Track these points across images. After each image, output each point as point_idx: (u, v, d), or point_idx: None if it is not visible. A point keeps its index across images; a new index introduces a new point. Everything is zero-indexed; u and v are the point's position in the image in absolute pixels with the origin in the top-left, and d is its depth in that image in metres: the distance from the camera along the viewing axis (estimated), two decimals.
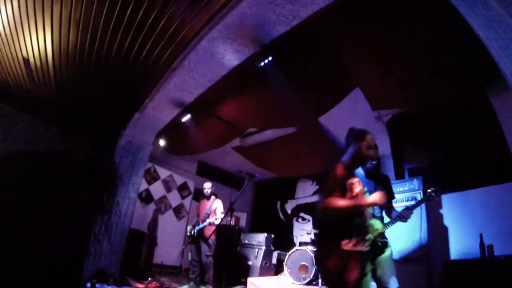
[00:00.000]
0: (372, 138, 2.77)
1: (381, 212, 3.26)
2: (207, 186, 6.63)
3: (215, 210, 6.29)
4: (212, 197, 6.61)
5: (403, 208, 3.15)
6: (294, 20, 3.51)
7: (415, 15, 3.47)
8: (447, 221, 4.89)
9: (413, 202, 3.44)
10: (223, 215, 5.92)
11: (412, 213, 3.08)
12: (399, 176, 5.74)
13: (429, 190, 3.20)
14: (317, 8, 3.32)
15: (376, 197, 2.49)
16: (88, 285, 4.65)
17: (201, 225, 6.06)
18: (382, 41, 3.95)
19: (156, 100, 5.49)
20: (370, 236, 2.99)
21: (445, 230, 4.86)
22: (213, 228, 5.99)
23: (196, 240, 6.22)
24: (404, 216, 3.08)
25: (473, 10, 1.59)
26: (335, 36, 3.97)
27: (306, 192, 10.25)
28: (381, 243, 3.02)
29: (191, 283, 6.26)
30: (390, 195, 3.36)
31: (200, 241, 6.16)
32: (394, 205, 4.76)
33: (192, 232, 6.25)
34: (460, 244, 4.66)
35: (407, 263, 4.61)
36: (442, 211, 4.97)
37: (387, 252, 3.05)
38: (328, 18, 3.63)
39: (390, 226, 3.14)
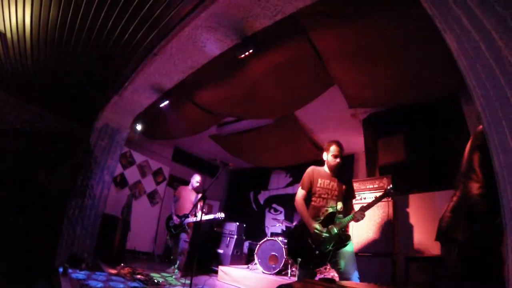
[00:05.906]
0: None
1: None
2: (199, 179, 6.80)
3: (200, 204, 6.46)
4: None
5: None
6: (278, 14, 3.53)
7: (393, 14, 3.55)
8: (412, 220, 5.11)
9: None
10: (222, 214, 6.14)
11: (364, 215, 3.15)
12: (371, 173, 5.89)
13: (389, 187, 3.38)
14: (302, 5, 3.35)
15: None
16: (61, 269, 4.62)
17: (205, 217, 5.90)
18: (361, 41, 4.02)
19: (135, 84, 5.42)
20: (334, 229, 3.15)
21: (410, 228, 5.08)
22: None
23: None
24: (357, 218, 3.14)
25: (446, 24, 1.66)
26: (315, 34, 4.03)
27: (280, 184, 10.40)
28: (344, 236, 3.19)
29: (172, 266, 6.35)
30: (350, 194, 3.54)
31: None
32: (364, 201, 4.95)
33: (183, 223, 6.29)
34: (423, 241, 4.89)
35: (373, 257, 4.80)
36: (409, 209, 5.19)
37: (349, 245, 3.20)
38: (310, 15, 3.69)
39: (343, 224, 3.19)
